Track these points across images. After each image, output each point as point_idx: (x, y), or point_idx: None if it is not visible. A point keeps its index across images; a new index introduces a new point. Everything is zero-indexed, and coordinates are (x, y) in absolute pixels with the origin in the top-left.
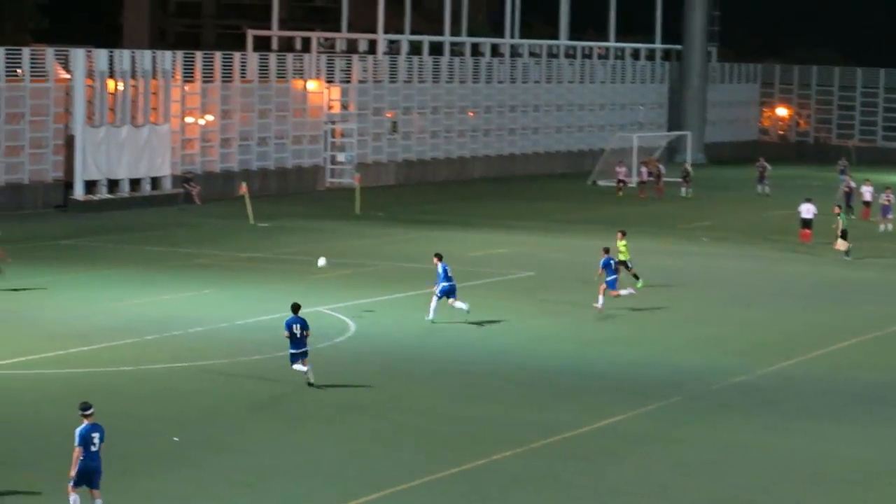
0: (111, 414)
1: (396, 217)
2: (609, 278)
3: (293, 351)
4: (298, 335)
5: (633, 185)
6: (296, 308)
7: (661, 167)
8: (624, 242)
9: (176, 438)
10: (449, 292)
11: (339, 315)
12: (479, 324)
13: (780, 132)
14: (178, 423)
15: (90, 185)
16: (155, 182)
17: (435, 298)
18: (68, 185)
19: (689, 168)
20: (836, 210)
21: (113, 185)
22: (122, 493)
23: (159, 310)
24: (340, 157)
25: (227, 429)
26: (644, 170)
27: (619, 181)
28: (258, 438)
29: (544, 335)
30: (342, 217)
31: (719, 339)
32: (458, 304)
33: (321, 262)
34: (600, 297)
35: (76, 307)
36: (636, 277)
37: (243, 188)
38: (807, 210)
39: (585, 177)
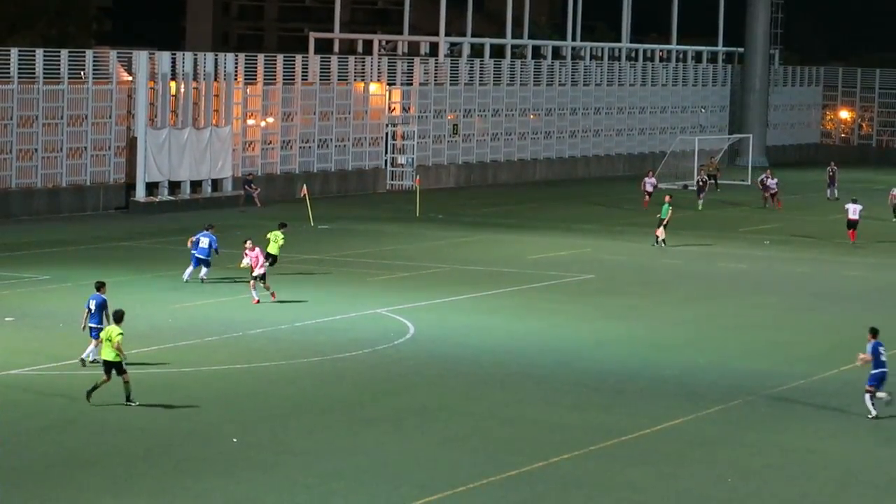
0: (172, 415)
1: (456, 219)
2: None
3: (93, 325)
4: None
5: (693, 188)
6: (99, 286)
7: (774, 180)
8: (281, 234)
9: (235, 439)
10: (200, 263)
11: (398, 317)
12: (540, 326)
13: (843, 135)
14: (238, 425)
15: (151, 187)
16: (216, 184)
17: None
18: (130, 186)
19: (706, 176)
20: (667, 199)
21: (174, 187)
22: (182, 493)
23: (219, 311)
24: (401, 159)
25: (287, 431)
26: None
27: (647, 193)
28: (319, 441)
29: (604, 338)
30: (402, 219)
31: (779, 344)
32: (201, 274)
33: None
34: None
35: (137, 308)
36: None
37: (304, 190)
38: (853, 210)
39: None
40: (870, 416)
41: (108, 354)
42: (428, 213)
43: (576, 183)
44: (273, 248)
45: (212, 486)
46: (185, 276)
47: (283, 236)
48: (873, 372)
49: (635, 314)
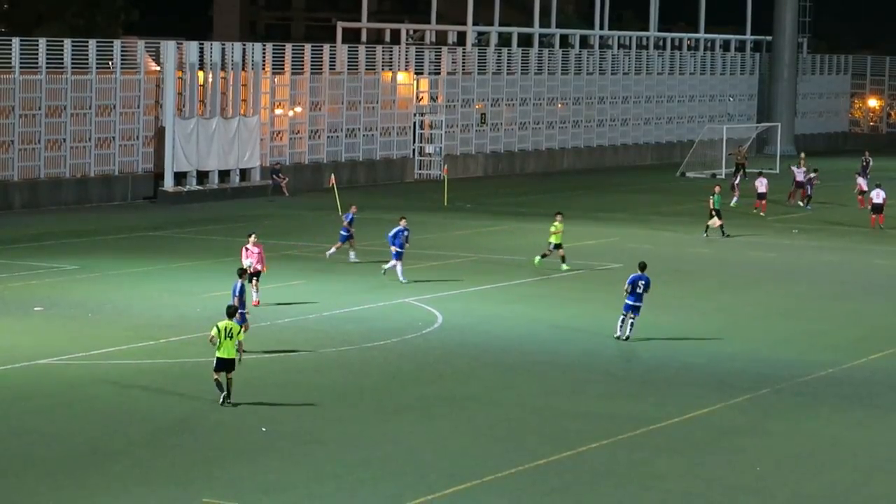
0: (201, 404)
1: (484, 209)
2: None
3: (243, 311)
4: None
5: (721, 177)
6: (241, 273)
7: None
8: (560, 225)
9: (264, 428)
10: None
11: (425, 306)
12: (569, 315)
13: (871, 123)
14: (267, 414)
15: (179, 177)
16: (244, 174)
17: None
18: (158, 176)
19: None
20: (717, 189)
21: (202, 176)
22: (210, 482)
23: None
24: (429, 148)
25: (315, 420)
26: (763, 180)
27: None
28: (347, 430)
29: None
30: (430, 209)
31: (808, 332)
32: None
33: None
34: (332, 249)
35: (165, 298)
36: (563, 259)
37: (332, 180)
38: (877, 195)
39: (674, 168)
40: (615, 336)
41: (224, 352)
42: (455, 203)
43: (604, 172)
44: (556, 238)
45: (240, 475)
46: (389, 269)
47: (560, 225)
48: (627, 302)
49: (663, 303)
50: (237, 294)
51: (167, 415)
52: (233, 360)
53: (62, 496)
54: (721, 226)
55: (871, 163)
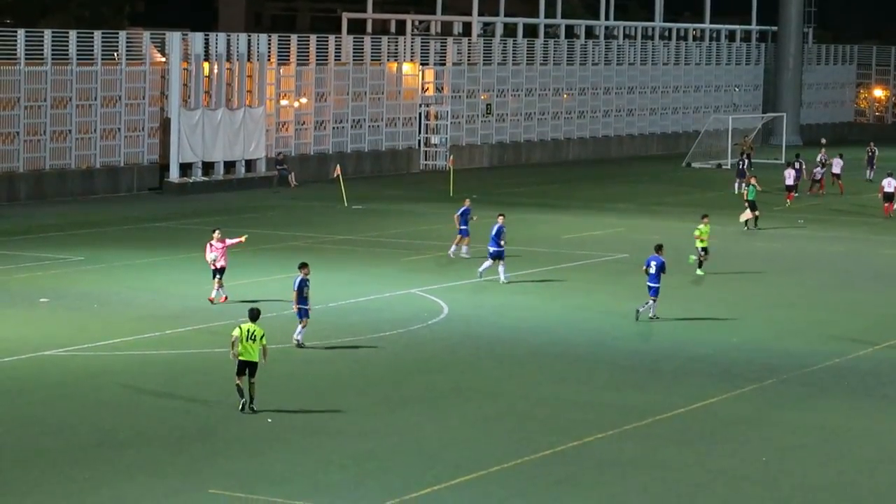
0: (206, 396)
1: (490, 199)
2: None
3: (301, 306)
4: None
5: (727, 167)
6: (301, 266)
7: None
8: (706, 228)
9: (270, 419)
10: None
11: (432, 297)
12: (575, 306)
13: (877, 113)
14: (273, 406)
15: (185, 168)
16: (249, 165)
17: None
18: (163, 167)
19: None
20: (753, 180)
21: (207, 167)
22: (216, 473)
23: (253, 292)
24: (434, 139)
25: (320, 411)
26: (792, 171)
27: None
28: (353, 421)
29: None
30: (436, 199)
31: (814, 322)
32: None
33: None
34: (453, 247)
35: (171, 289)
36: (700, 264)
37: (337, 170)
38: (888, 184)
39: (680, 159)
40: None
41: (246, 355)
42: (461, 193)
43: (609, 162)
44: (702, 242)
45: (246, 466)
46: (484, 270)
47: (706, 229)
48: (650, 285)
49: (669, 293)
50: (297, 289)
51: (173, 406)
52: (255, 363)
53: (68, 487)
54: (756, 218)
55: (876, 153)
